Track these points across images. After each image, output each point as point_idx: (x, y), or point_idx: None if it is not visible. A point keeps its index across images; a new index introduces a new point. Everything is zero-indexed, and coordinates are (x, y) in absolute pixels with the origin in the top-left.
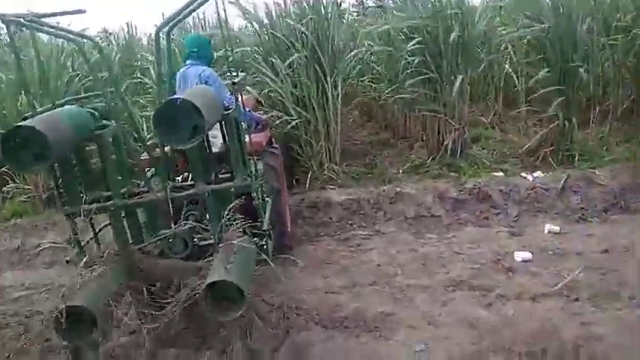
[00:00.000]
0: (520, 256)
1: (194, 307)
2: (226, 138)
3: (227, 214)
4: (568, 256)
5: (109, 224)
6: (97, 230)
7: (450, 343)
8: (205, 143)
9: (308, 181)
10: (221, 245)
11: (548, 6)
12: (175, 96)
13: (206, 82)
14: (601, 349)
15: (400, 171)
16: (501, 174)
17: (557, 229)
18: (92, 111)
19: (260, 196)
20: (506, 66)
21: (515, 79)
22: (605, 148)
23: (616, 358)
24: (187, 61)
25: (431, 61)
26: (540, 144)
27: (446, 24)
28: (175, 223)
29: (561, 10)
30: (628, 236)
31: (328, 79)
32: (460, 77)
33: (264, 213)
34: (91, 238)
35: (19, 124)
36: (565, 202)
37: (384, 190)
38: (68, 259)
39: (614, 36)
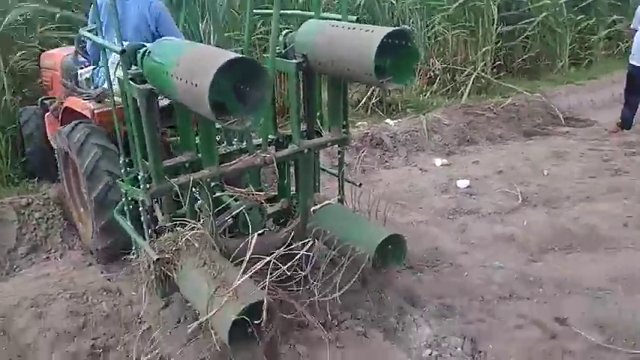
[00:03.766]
0: (463, 183)
1: None
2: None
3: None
4: (488, 179)
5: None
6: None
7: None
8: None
9: None
10: (314, 209)
11: None
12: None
13: (156, 21)
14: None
15: None
16: (365, 122)
17: (445, 161)
18: None
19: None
20: None
21: None
22: (423, 98)
23: None
24: None
25: None
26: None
27: None
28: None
29: None
30: (502, 159)
31: None
32: None
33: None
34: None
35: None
36: (431, 140)
37: None
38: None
39: None
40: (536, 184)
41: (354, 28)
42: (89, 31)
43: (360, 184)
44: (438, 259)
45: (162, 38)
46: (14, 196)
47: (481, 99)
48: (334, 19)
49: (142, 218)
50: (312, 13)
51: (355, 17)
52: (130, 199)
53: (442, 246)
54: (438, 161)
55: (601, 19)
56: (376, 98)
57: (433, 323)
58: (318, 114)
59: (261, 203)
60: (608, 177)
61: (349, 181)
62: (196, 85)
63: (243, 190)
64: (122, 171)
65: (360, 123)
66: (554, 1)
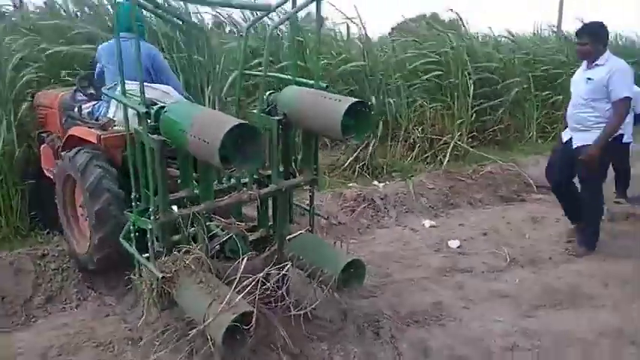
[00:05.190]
0: (454, 244)
1: None
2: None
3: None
4: (475, 240)
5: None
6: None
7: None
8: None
9: None
10: (289, 238)
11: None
12: None
13: (152, 65)
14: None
15: None
16: (355, 184)
17: (434, 223)
18: None
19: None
20: None
21: None
22: (404, 163)
23: None
24: (122, 33)
25: None
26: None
27: None
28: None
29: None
30: (485, 222)
31: None
32: None
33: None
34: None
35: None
36: (419, 202)
37: None
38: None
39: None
40: (520, 246)
41: (325, 97)
42: (108, 88)
43: (327, 217)
44: (442, 313)
45: (176, 102)
46: (27, 247)
47: (459, 166)
48: (307, 85)
49: (149, 244)
50: (289, 77)
51: (325, 85)
52: (136, 227)
53: (444, 301)
54: (427, 222)
55: (566, 96)
56: (362, 162)
57: None
58: (293, 158)
59: (243, 232)
60: None
61: (319, 215)
62: (207, 142)
63: (227, 220)
64: (133, 204)
65: (351, 184)
66: (523, 81)
